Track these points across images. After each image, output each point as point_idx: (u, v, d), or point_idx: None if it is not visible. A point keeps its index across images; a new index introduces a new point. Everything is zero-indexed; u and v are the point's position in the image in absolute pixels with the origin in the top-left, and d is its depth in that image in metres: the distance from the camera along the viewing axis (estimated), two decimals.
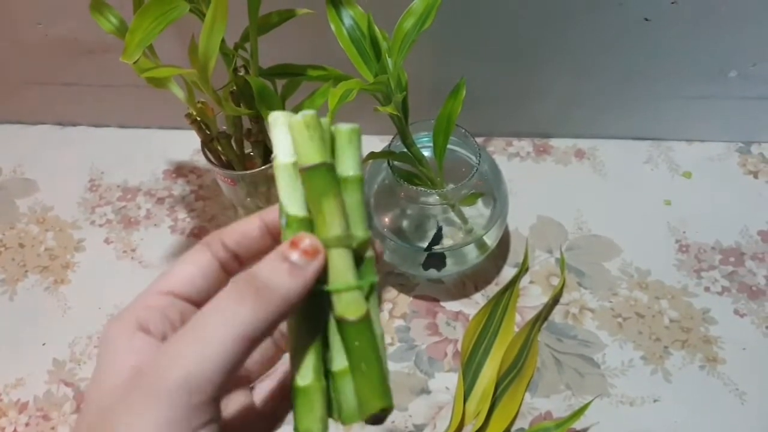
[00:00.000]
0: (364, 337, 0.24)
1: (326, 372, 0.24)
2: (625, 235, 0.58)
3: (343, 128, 0.25)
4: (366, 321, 0.24)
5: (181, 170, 0.66)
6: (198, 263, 0.26)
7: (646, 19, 0.54)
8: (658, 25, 0.54)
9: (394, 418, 0.49)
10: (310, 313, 0.24)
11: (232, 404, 0.27)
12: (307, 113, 0.24)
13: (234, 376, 0.22)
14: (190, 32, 0.43)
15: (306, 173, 0.24)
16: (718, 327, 0.53)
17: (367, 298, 0.24)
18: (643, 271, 0.56)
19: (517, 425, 0.49)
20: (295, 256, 0.23)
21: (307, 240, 0.23)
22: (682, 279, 0.56)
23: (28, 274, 0.59)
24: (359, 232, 0.24)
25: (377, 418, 0.24)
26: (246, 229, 0.26)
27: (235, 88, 0.48)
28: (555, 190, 0.62)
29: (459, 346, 0.53)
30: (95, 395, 0.23)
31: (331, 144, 0.25)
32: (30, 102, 0.69)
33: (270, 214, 0.26)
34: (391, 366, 0.52)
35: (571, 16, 0.54)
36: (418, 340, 0.53)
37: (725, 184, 0.62)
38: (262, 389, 0.28)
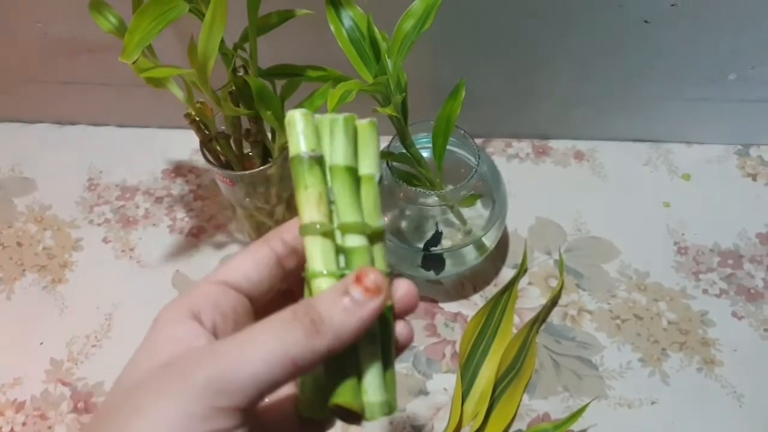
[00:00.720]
0: None
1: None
2: (623, 237, 0.58)
3: (359, 124, 0.26)
4: None
5: (179, 170, 0.66)
6: (254, 256, 0.26)
7: (646, 21, 0.54)
8: (657, 27, 0.54)
9: (392, 419, 0.49)
10: None
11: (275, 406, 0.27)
12: (292, 112, 0.25)
13: (267, 395, 0.22)
14: (190, 32, 0.43)
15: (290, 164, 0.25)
16: (716, 329, 0.53)
17: None
18: (642, 273, 0.56)
19: (515, 427, 0.49)
20: (356, 291, 0.22)
21: (372, 275, 0.23)
22: (680, 281, 0.56)
23: (25, 273, 0.59)
24: (346, 218, 0.25)
25: (340, 414, 0.24)
26: None
27: (234, 88, 0.48)
28: (554, 192, 0.62)
29: (457, 347, 0.53)
30: (129, 374, 0.23)
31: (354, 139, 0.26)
32: (29, 100, 0.68)
33: None
34: None
35: (570, 17, 0.54)
36: (416, 341, 0.53)
37: (724, 186, 0.62)
38: None
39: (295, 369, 0.21)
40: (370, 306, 0.22)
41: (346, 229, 0.24)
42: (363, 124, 0.26)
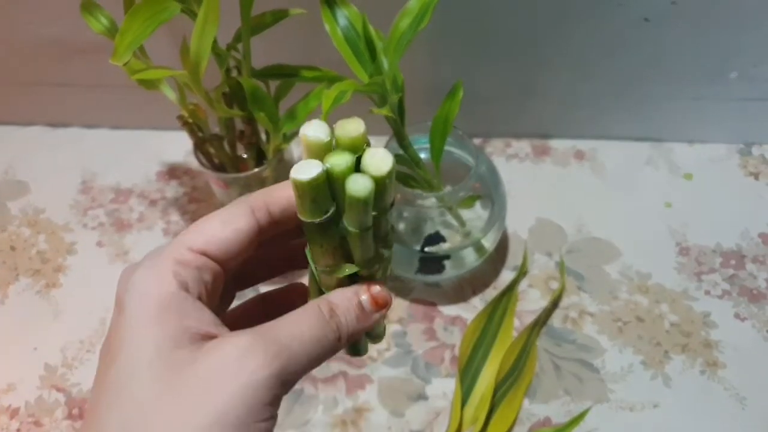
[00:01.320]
0: None
1: None
2: (625, 238, 0.58)
3: (376, 175, 0.22)
4: None
5: (174, 172, 0.65)
6: (234, 226, 0.24)
7: (646, 20, 0.53)
8: (658, 26, 0.53)
9: (391, 424, 0.48)
10: None
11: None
12: (298, 177, 0.22)
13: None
14: (182, 33, 0.43)
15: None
16: (718, 331, 0.52)
17: None
18: (644, 275, 0.55)
19: (515, 431, 0.48)
20: (364, 297, 0.25)
21: (378, 288, 0.26)
22: (682, 282, 0.55)
23: (19, 278, 0.59)
24: (362, 265, 0.26)
25: None
26: (291, 195, 0.24)
27: (227, 89, 0.47)
28: (554, 192, 0.61)
29: (456, 351, 0.52)
30: (136, 350, 0.22)
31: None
32: (21, 103, 0.68)
33: None
34: (388, 371, 0.51)
35: (570, 15, 0.53)
36: (414, 345, 0.52)
37: (726, 186, 0.61)
38: None
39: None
40: (374, 318, 0.26)
41: (362, 272, 0.26)
42: (381, 175, 0.22)
